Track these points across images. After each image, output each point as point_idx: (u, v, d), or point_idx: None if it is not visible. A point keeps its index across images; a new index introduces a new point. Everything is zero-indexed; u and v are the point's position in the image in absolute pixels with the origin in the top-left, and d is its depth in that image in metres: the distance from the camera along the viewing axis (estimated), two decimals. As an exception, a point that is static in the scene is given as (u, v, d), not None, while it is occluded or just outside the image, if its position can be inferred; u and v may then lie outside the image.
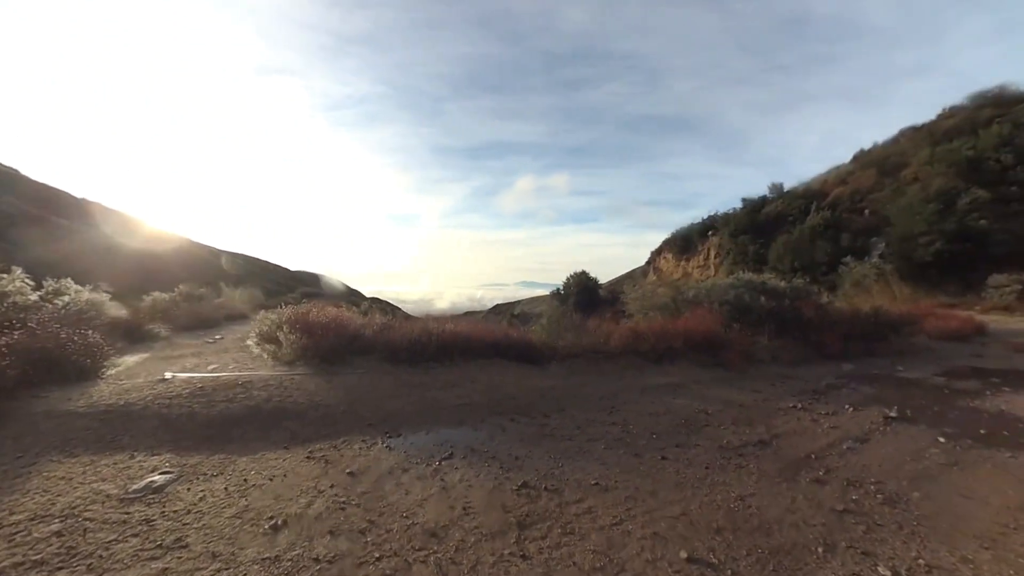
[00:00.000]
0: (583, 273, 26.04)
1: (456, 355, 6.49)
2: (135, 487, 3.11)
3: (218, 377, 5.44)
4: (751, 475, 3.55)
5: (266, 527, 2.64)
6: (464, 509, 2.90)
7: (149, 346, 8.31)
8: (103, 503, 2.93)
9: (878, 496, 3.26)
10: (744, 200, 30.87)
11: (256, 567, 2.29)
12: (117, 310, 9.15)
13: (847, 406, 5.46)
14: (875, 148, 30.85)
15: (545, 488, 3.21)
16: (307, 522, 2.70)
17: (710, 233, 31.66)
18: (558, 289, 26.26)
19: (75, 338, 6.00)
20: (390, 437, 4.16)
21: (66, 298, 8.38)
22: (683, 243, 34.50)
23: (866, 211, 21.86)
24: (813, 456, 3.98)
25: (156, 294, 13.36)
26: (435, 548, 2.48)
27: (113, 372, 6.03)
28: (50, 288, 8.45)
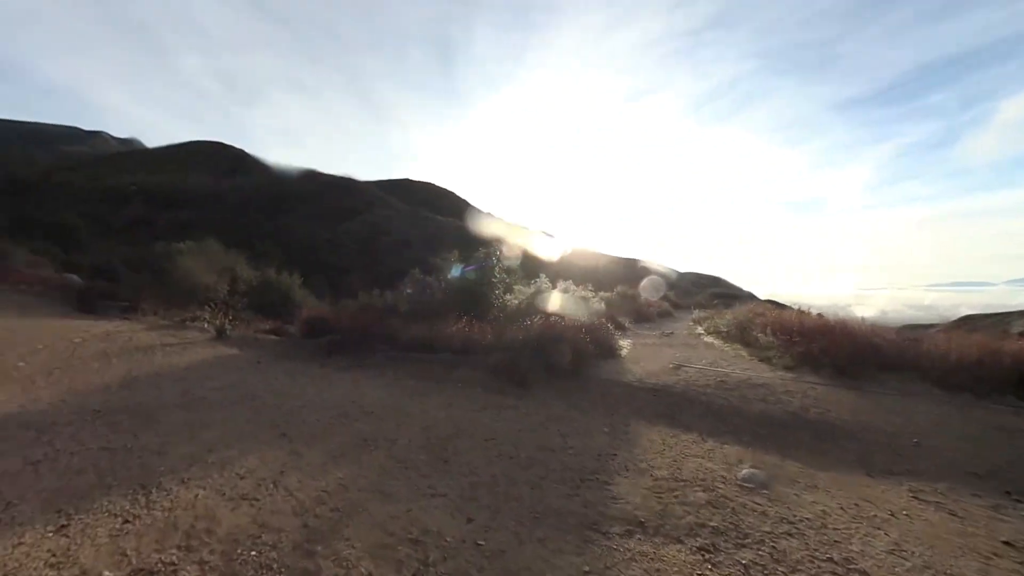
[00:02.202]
0: None
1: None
2: (740, 475, 3.29)
3: (728, 374, 5.62)
4: None
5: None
6: None
7: (625, 334, 9.86)
8: (723, 483, 3.16)
9: None
10: None
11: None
12: (597, 304, 11.45)
13: None
14: None
15: None
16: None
17: None
18: None
19: (598, 325, 7.65)
20: (1019, 502, 3.03)
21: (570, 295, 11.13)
22: None
23: None
24: None
25: (603, 293, 16.05)
26: None
27: (623, 353, 7.30)
28: (563, 288, 11.43)
